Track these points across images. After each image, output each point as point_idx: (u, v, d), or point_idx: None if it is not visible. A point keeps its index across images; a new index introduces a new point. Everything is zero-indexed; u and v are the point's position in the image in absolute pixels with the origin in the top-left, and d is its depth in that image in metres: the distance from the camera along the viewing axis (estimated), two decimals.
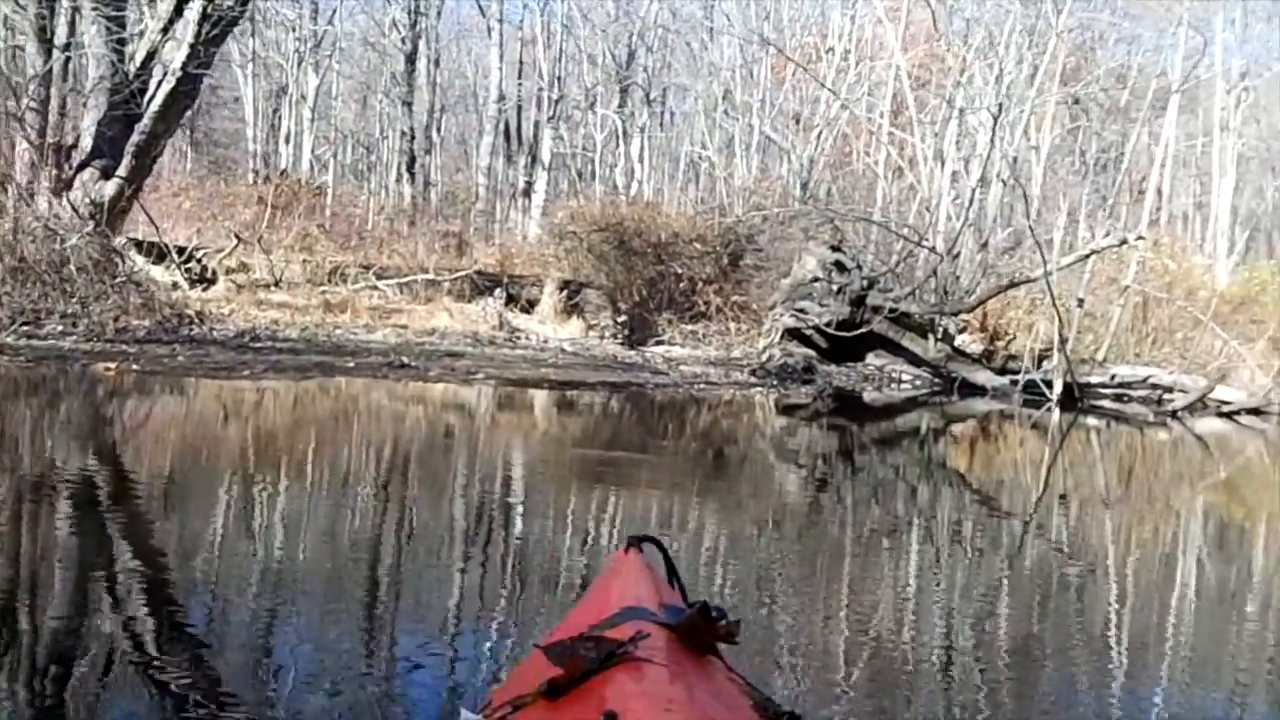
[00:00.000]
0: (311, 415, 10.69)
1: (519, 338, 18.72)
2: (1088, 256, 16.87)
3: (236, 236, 20.36)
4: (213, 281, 19.44)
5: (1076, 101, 27.78)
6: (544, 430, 11.32)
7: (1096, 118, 31.66)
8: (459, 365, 14.38)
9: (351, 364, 13.40)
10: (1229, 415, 16.41)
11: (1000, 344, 18.82)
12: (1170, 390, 16.70)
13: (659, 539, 2.60)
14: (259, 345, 14.44)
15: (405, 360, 14.06)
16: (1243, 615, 5.17)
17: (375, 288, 20.40)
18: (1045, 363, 17.16)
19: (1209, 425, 15.73)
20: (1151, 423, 15.60)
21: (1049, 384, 16.35)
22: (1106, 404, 17.11)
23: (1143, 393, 17.18)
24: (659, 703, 1.65)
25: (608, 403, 13.32)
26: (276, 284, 20.10)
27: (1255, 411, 16.76)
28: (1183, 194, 34.24)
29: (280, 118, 33.45)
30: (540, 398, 13.06)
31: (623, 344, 19.72)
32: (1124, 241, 16.82)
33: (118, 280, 14.76)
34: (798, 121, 28.37)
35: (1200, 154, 34.34)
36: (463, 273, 20.86)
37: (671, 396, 14.07)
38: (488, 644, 3.86)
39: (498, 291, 19.93)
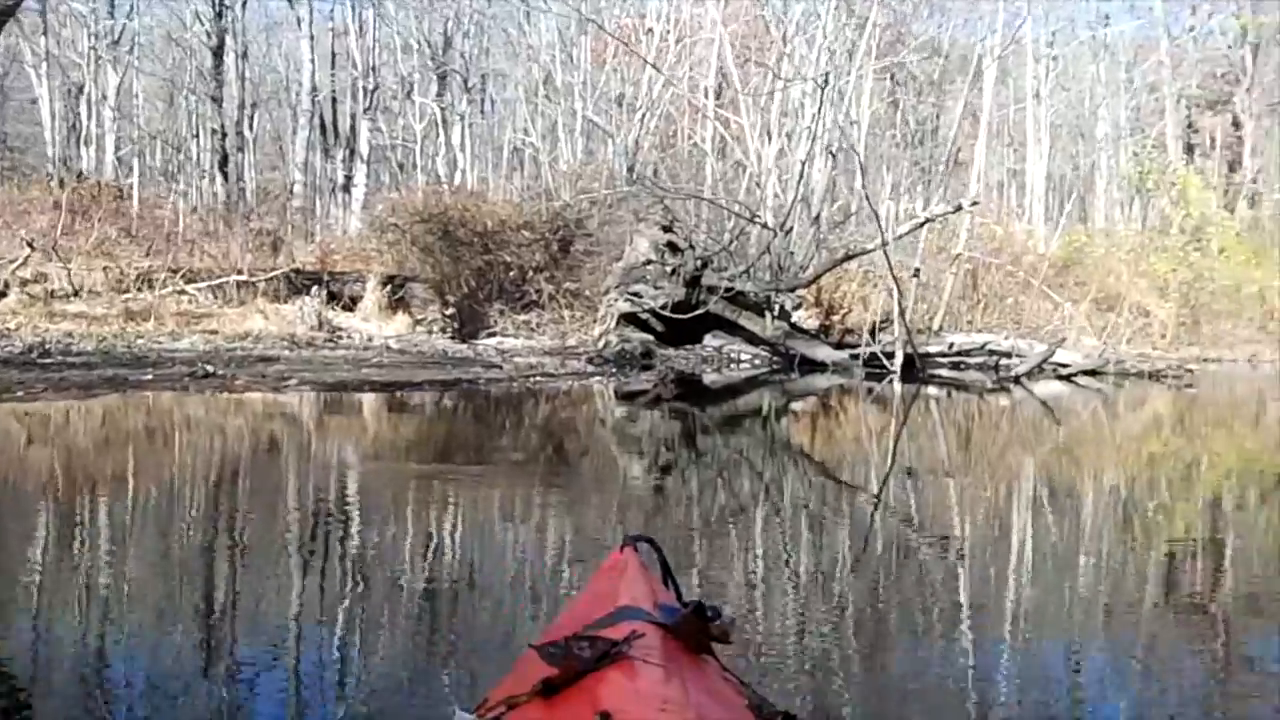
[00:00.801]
0: (70, 443, 8.80)
1: (340, 337, 17.72)
2: (923, 224, 16.68)
3: (29, 244, 18.77)
4: (3, 294, 17.90)
5: (893, 77, 28.04)
6: (364, 443, 9.50)
7: (912, 91, 32.13)
8: (271, 371, 13.23)
9: (149, 376, 12.16)
10: (1067, 378, 16.53)
11: (836, 318, 18.68)
12: (1009, 355, 16.73)
13: (653, 539, 2.60)
14: (47, 361, 13.10)
15: (211, 369, 12.80)
16: (1080, 571, 5.27)
17: (184, 292, 19.13)
18: (883, 335, 17.01)
19: (1048, 388, 15.80)
20: (992, 389, 15.56)
21: (889, 356, 16.16)
22: (946, 373, 17.08)
23: (980, 359, 17.18)
24: (654, 702, 1.65)
25: (439, 403, 12.30)
26: (76, 294, 18.67)
27: (1091, 373, 16.94)
28: (996, 164, 35.03)
29: (79, 119, 31.37)
30: (362, 402, 11.90)
31: (452, 338, 18.96)
32: (959, 208, 16.72)
33: None
34: (621, 104, 27.88)
35: (1013, 123, 35.20)
36: (278, 272, 19.73)
37: (507, 391, 13.21)
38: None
39: (315, 290, 18.83)
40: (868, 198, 16.97)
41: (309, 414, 11.23)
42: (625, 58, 28.37)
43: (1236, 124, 37.89)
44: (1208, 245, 29.04)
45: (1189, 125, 37.82)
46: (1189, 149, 36.20)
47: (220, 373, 12.69)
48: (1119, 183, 34.82)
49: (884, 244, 15.76)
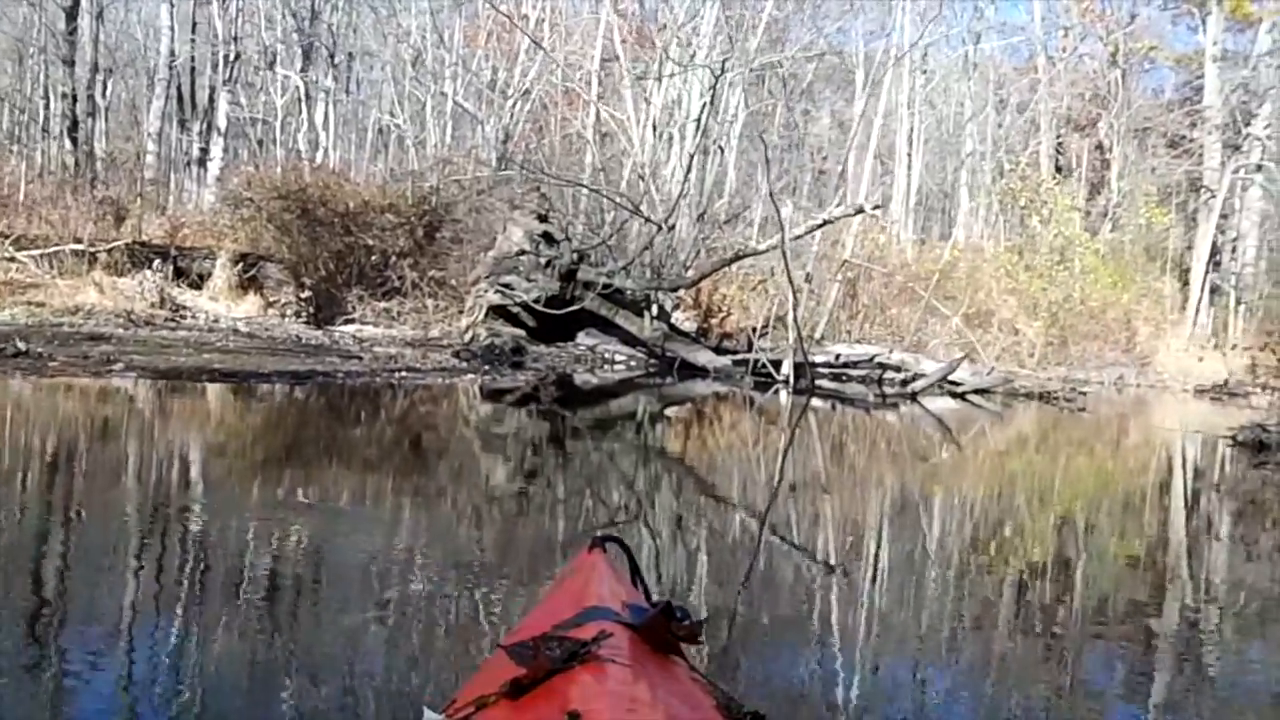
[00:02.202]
0: None
1: (184, 317, 16.38)
2: (821, 226, 15.92)
3: None
4: None
5: (763, 81, 27.55)
6: (191, 453, 7.66)
7: (782, 98, 31.74)
8: (98, 352, 11.76)
9: None
10: (960, 396, 16.05)
11: (715, 321, 17.96)
12: (898, 369, 16.17)
13: (622, 539, 2.58)
14: None
15: (24, 346, 11.22)
16: (940, 592, 5.24)
17: (14, 259, 17.47)
18: (762, 341, 16.30)
19: (940, 406, 15.32)
20: (883, 404, 14.99)
21: (776, 364, 15.38)
22: (833, 384, 16.41)
23: (864, 373, 16.61)
24: (622, 702, 1.64)
25: (288, 399, 10.84)
26: None
27: (980, 391, 16.52)
28: (864, 175, 34.96)
29: None
30: (195, 396, 10.28)
31: (307, 323, 17.78)
32: (860, 210, 16.01)
33: None
34: (494, 89, 26.87)
35: (881, 135, 35.14)
36: (119, 243, 18.17)
37: (367, 386, 11.97)
38: None
39: (157, 264, 17.37)
40: (772, 195, 16.12)
41: (123, 410, 9.55)
42: (499, 42, 27.38)
43: (1100, 147, 38.52)
44: (1073, 266, 29.29)
45: (1058, 146, 38.28)
46: (1059, 169, 36.57)
47: (37, 351, 11.28)
48: (984, 200, 35.03)
49: (783, 244, 14.90)
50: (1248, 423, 12.16)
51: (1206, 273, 31.89)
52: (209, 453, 7.74)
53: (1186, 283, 32.84)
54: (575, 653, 1.75)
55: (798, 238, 15.56)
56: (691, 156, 16.83)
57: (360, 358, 14.23)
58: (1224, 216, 32.60)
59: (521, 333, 16.38)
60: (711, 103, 17.12)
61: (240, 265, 18.76)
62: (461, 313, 17.46)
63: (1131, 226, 34.79)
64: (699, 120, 17.27)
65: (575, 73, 24.76)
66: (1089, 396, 18.00)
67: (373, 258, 19.36)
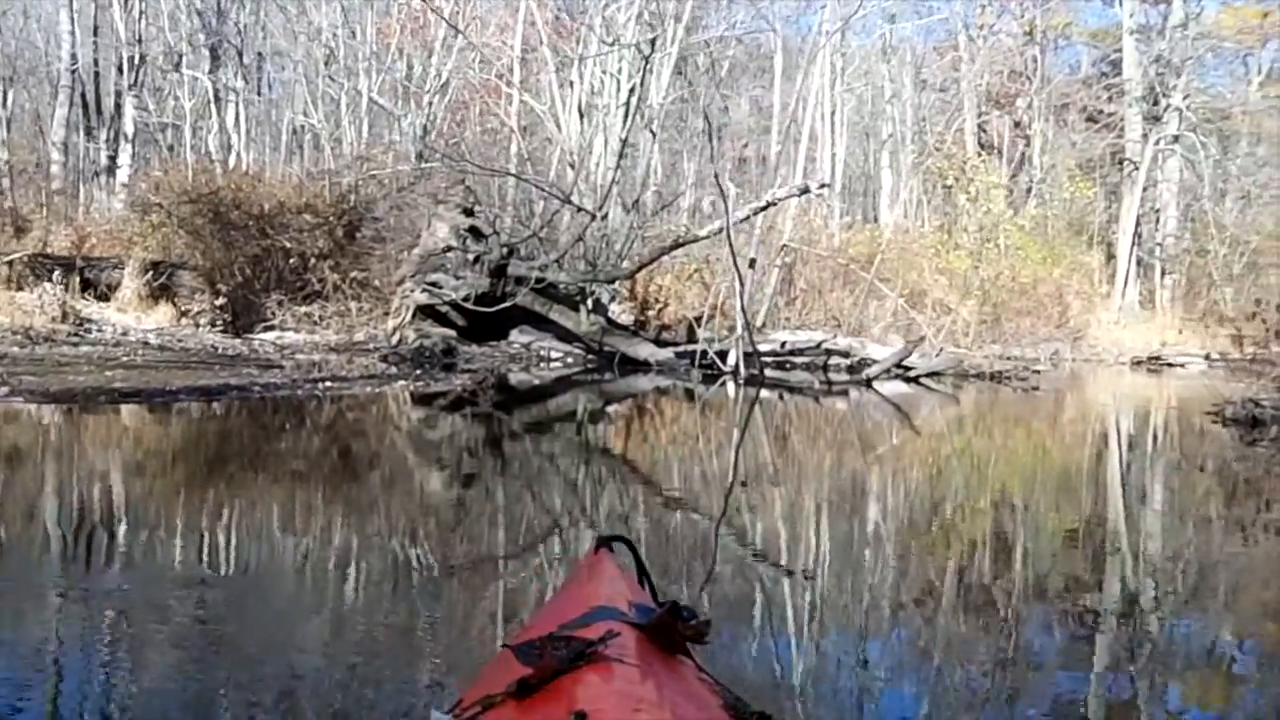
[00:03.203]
0: None
1: (89, 330, 15.44)
2: (765, 208, 15.30)
3: None
4: None
5: (681, 72, 27.01)
6: (72, 502, 6.30)
7: (704, 84, 31.30)
8: None
9: None
10: (914, 380, 15.60)
11: (652, 313, 17.37)
12: (846, 355, 15.68)
13: (629, 539, 2.53)
14: None
15: None
16: (897, 573, 5.23)
17: None
18: (704, 331, 15.70)
19: (893, 390, 14.88)
20: (830, 392, 14.50)
21: (722, 355, 14.77)
22: (778, 373, 15.85)
23: (808, 359, 16.11)
24: (629, 702, 1.61)
25: (198, 422, 9.61)
26: None
27: (933, 374, 16.10)
28: (799, 157, 34.58)
29: None
30: (87, 422, 9.06)
31: (224, 331, 16.96)
32: (806, 190, 15.45)
33: None
34: (410, 83, 26.08)
35: (804, 118, 34.77)
36: (17, 255, 17.13)
37: (288, 399, 10.99)
38: None
39: (58, 274, 16.40)
40: (716, 177, 15.46)
41: None
42: (413, 36, 26.62)
43: (1018, 125, 38.60)
44: (1001, 243, 29.19)
45: (980, 125, 38.29)
46: (983, 147, 36.54)
47: None
48: (907, 181, 34.92)
49: (728, 228, 14.19)
50: (1235, 398, 11.66)
51: (1133, 245, 32.09)
52: (63, 507, 6.12)
53: (1112, 255, 33.07)
54: (582, 653, 1.72)
55: (742, 220, 14.91)
56: (623, 141, 16.18)
57: (281, 367, 13.36)
58: (1145, 189, 32.78)
59: (452, 333, 15.70)
60: (642, 84, 16.46)
61: (150, 274, 17.84)
62: (387, 314, 16.74)
63: (1056, 202, 34.94)
64: (628, 104, 16.62)
65: (496, 61, 24.05)
66: (1042, 375, 17.72)
67: (291, 260, 18.56)
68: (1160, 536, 6.39)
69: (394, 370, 13.97)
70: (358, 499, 6.69)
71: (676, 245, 15.89)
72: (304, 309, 18.11)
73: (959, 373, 16.43)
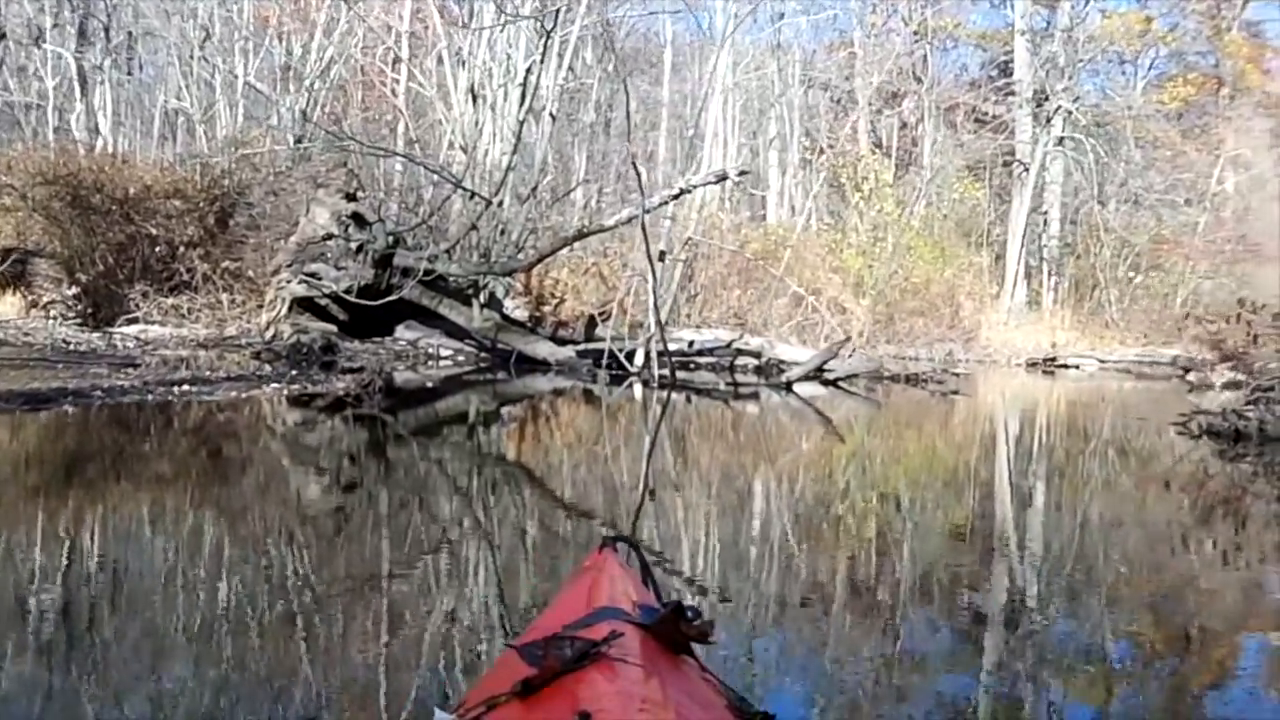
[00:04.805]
0: None
1: None
2: (679, 195, 14.35)
3: None
4: None
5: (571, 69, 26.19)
6: None
7: (598, 78, 30.50)
8: None
9: None
10: (832, 382, 14.82)
11: (548, 309, 16.44)
12: (757, 355, 14.92)
13: (633, 539, 2.60)
14: None
15: None
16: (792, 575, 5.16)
17: None
18: (604, 329, 14.79)
19: (810, 391, 14.14)
20: (737, 395, 13.72)
21: (629, 355, 13.83)
22: (685, 373, 14.93)
23: (713, 360, 15.33)
24: (633, 702, 1.62)
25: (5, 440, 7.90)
26: None
27: (850, 377, 15.42)
28: (675, 158, 33.99)
29: None
30: None
31: (82, 324, 15.65)
32: (724, 176, 14.57)
33: None
34: (289, 69, 24.76)
35: (695, 115, 34.13)
36: None
37: (138, 407, 9.46)
38: None
39: None
40: (634, 162, 14.48)
41: None
42: (292, 19, 25.36)
43: (905, 125, 38.59)
44: (892, 242, 28.93)
45: (872, 124, 38.18)
46: (877, 145, 36.39)
47: None
48: (793, 180, 34.57)
49: (643, 216, 13.14)
50: (1206, 409, 11.04)
51: (1023, 246, 32.22)
52: None
53: (1000, 257, 33.19)
54: (586, 652, 1.71)
55: (656, 206, 13.93)
56: (521, 123, 15.17)
57: (136, 366, 11.96)
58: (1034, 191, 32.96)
59: (332, 328, 14.62)
60: (542, 60, 15.47)
61: (3, 262, 16.36)
62: (261, 307, 15.52)
63: (945, 202, 34.98)
64: (524, 83, 15.63)
65: (382, 43, 22.85)
66: (960, 379, 17.20)
67: (158, 249, 17.31)
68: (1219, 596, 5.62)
69: (267, 369, 12.71)
70: (214, 537, 5.57)
71: (581, 235, 14.98)
72: (171, 301, 16.86)
73: (875, 375, 15.74)
